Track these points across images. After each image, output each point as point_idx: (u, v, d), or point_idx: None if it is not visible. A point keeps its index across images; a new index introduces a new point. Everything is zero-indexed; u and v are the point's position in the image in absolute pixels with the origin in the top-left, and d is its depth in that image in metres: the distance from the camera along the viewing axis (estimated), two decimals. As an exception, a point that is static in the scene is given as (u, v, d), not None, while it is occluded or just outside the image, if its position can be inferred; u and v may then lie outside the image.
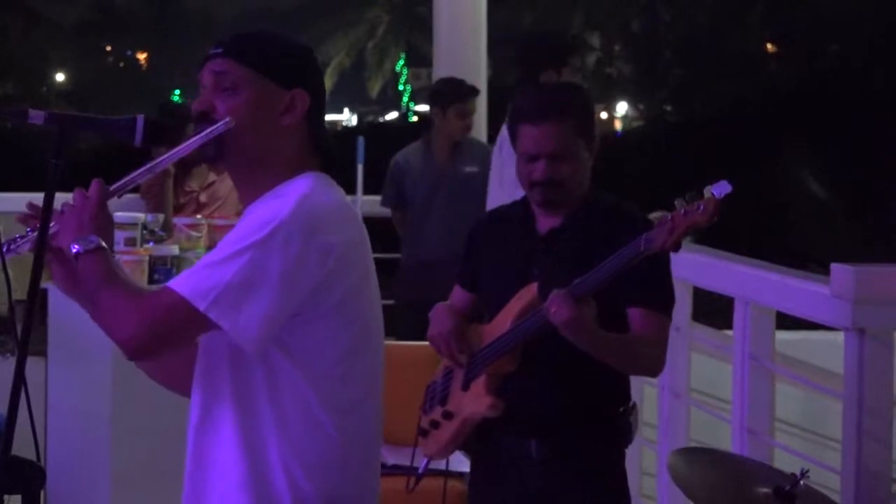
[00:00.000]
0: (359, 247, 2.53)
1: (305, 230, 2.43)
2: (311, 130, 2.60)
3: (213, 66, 2.57)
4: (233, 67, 2.56)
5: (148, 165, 2.59)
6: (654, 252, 3.11)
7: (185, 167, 6.71)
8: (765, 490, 3.34)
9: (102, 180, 2.60)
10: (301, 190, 2.49)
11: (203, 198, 6.82)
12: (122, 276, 2.50)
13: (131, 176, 2.59)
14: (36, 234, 2.54)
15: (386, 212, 7.55)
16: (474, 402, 3.46)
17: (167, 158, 2.59)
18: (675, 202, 3.06)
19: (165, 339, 2.45)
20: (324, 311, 2.47)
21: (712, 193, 2.99)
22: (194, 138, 2.55)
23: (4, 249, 2.60)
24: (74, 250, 2.51)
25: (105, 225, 2.56)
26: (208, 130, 2.53)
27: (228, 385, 2.52)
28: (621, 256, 3.16)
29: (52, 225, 2.57)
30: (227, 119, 2.53)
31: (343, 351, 2.51)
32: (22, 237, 2.63)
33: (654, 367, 3.53)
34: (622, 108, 36.00)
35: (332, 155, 2.65)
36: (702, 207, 3.00)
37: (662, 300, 3.46)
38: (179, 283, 2.44)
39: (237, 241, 2.44)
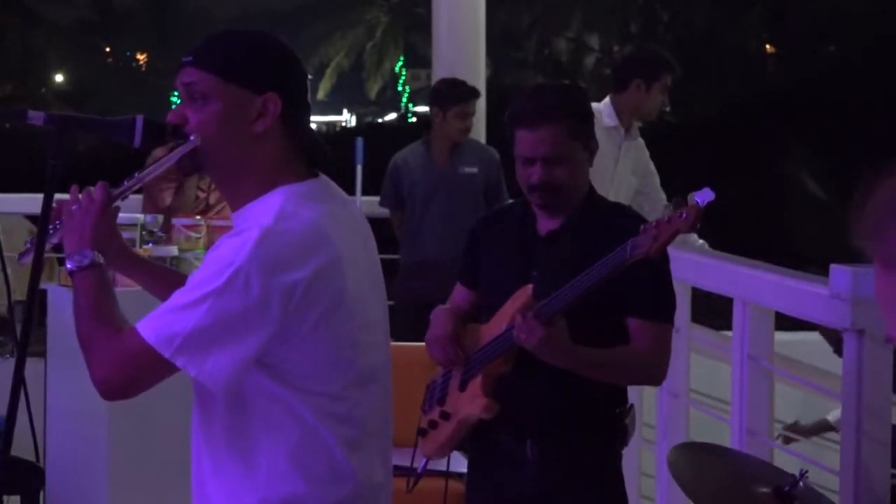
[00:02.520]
0: (330, 268, 2.47)
1: (265, 272, 2.40)
2: (290, 133, 2.56)
3: (183, 78, 2.55)
4: (201, 77, 2.52)
5: (137, 176, 2.61)
6: (640, 258, 3.12)
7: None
8: (764, 490, 3.35)
9: (107, 183, 2.61)
10: (264, 221, 2.45)
11: (212, 199, 6.80)
12: (106, 303, 2.51)
13: (128, 183, 2.61)
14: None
15: (385, 212, 7.55)
16: (470, 403, 3.46)
17: (144, 176, 2.60)
18: (662, 208, 3.09)
19: (136, 383, 2.47)
20: (299, 337, 2.45)
21: (696, 201, 3.02)
22: (165, 158, 2.55)
23: (20, 261, 2.62)
24: (69, 267, 2.54)
25: (106, 228, 2.59)
26: (176, 151, 2.52)
27: (222, 407, 2.51)
28: (606, 265, 3.17)
29: (56, 224, 2.59)
30: (192, 138, 2.52)
31: (324, 367, 2.50)
32: (28, 248, 2.65)
33: (652, 379, 3.53)
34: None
35: (319, 155, 2.62)
36: (685, 215, 3.03)
37: (660, 308, 3.46)
38: (147, 327, 2.43)
39: (200, 286, 2.42)
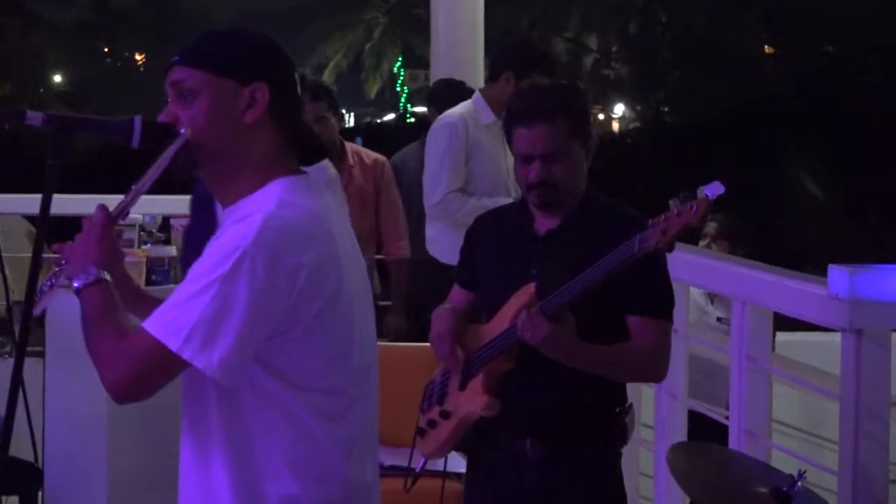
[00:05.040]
0: (328, 257, 2.49)
1: (270, 255, 2.40)
2: (282, 125, 2.56)
3: (171, 77, 2.56)
4: (188, 73, 2.53)
5: (135, 188, 2.59)
6: (648, 252, 3.12)
7: None
8: (762, 490, 3.35)
9: (105, 205, 2.61)
10: (267, 207, 2.45)
11: None
12: (114, 314, 2.50)
13: (126, 199, 2.60)
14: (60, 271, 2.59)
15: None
16: (471, 401, 3.46)
17: (146, 181, 2.57)
18: (670, 202, 3.08)
19: (146, 382, 2.45)
20: (299, 329, 2.46)
21: (705, 194, 3.01)
22: (160, 160, 2.54)
23: (49, 285, 2.61)
24: (75, 285, 2.53)
25: (108, 249, 2.58)
26: (170, 149, 2.51)
27: (216, 406, 2.51)
28: (613, 259, 3.17)
29: (63, 265, 2.59)
30: (183, 132, 2.52)
31: (325, 361, 2.50)
32: (53, 279, 2.64)
33: (654, 375, 3.54)
34: (619, 109, 36.06)
35: (313, 147, 2.62)
36: (695, 208, 3.02)
37: (660, 305, 3.47)
38: (153, 324, 2.43)
39: (204, 274, 2.42)
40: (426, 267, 6.79)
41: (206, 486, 2.53)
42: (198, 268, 2.45)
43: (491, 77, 6.06)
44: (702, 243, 6.27)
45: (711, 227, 6.30)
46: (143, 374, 2.43)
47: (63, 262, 2.62)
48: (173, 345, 2.39)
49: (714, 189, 3.00)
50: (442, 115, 6.23)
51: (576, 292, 3.22)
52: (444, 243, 6.08)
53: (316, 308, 2.46)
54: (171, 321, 2.41)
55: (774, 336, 6.07)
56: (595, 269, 3.20)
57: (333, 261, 2.50)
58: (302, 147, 2.61)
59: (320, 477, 2.51)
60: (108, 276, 2.54)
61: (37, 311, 2.65)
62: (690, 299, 6.46)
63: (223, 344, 2.39)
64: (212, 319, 2.39)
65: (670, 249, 3.11)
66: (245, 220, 2.45)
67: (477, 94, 6.10)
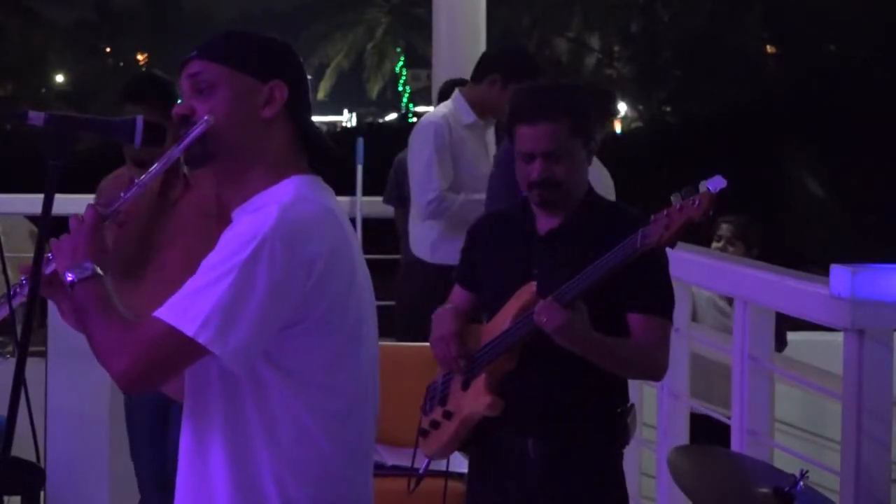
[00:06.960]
0: (342, 253, 2.49)
1: (288, 243, 2.40)
2: (296, 124, 2.57)
3: (188, 70, 2.56)
4: (207, 67, 2.54)
5: (138, 182, 2.57)
6: (651, 248, 3.12)
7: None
8: (764, 490, 3.35)
9: (96, 205, 2.59)
10: (282, 199, 2.46)
11: None
12: (115, 306, 2.47)
13: (124, 197, 2.57)
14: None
15: (386, 212, 7.55)
16: (474, 401, 3.46)
17: (156, 170, 2.56)
18: (672, 197, 3.08)
19: (158, 370, 2.43)
20: (310, 321, 2.45)
21: (707, 188, 3.01)
22: (179, 144, 2.53)
23: (12, 295, 2.58)
24: (69, 279, 2.49)
25: (100, 248, 2.54)
26: (190, 133, 2.51)
27: (218, 401, 2.49)
28: (617, 254, 3.18)
29: (49, 256, 2.57)
30: (206, 118, 2.51)
31: (330, 359, 2.49)
32: (21, 286, 2.61)
33: (654, 373, 3.54)
34: (621, 108, 36.06)
35: (323, 149, 2.62)
36: (697, 202, 3.02)
37: (661, 304, 3.47)
38: (167, 312, 2.40)
39: (222, 262, 2.40)
40: (427, 265, 6.80)
41: (204, 480, 2.52)
42: (212, 259, 2.43)
43: (474, 78, 6.06)
44: (716, 245, 6.25)
45: (726, 228, 6.27)
46: (155, 361, 2.40)
47: (49, 257, 2.60)
48: (189, 329, 2.37)
49: (716, 183, 2.99)
50: (424, 116, 6.25)
51: (583, 286, 3.23)
52: (428, 242, 6.12)
53: (327, 302, 2.45)
54: (186, 308, 2.39)
55: (786, 335, 6.09)
56: (598, 265, 3.21)
57: (347, 257, 2.50)
58: (313, 149, 2.61)
59: (318, 478, 2.50)
60: (101, 272, 2.53)
61: (3, 313, 2.62)
62: (708, 299, 6.45)
63: (240, 330, 2.38)
64: (230, 305, 2.37)
65: (672, 245, 3.11)
66: (261, 210, 2.45)
67: (457, 94, 6.09)
